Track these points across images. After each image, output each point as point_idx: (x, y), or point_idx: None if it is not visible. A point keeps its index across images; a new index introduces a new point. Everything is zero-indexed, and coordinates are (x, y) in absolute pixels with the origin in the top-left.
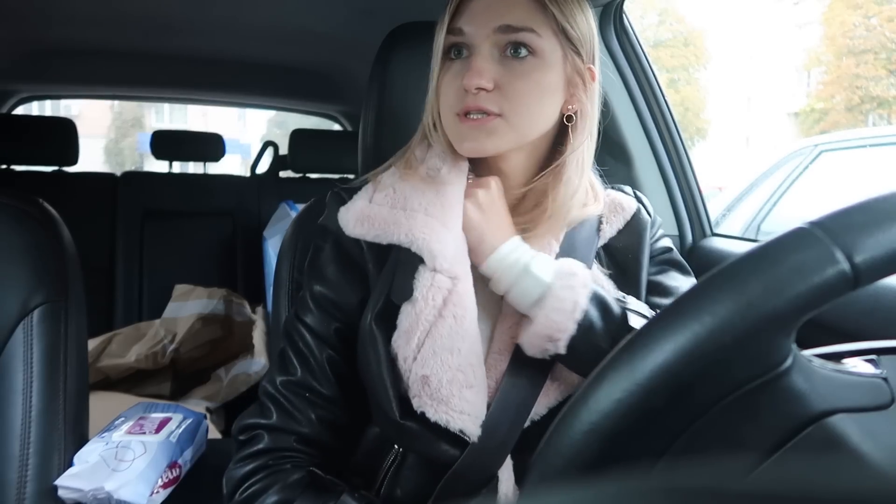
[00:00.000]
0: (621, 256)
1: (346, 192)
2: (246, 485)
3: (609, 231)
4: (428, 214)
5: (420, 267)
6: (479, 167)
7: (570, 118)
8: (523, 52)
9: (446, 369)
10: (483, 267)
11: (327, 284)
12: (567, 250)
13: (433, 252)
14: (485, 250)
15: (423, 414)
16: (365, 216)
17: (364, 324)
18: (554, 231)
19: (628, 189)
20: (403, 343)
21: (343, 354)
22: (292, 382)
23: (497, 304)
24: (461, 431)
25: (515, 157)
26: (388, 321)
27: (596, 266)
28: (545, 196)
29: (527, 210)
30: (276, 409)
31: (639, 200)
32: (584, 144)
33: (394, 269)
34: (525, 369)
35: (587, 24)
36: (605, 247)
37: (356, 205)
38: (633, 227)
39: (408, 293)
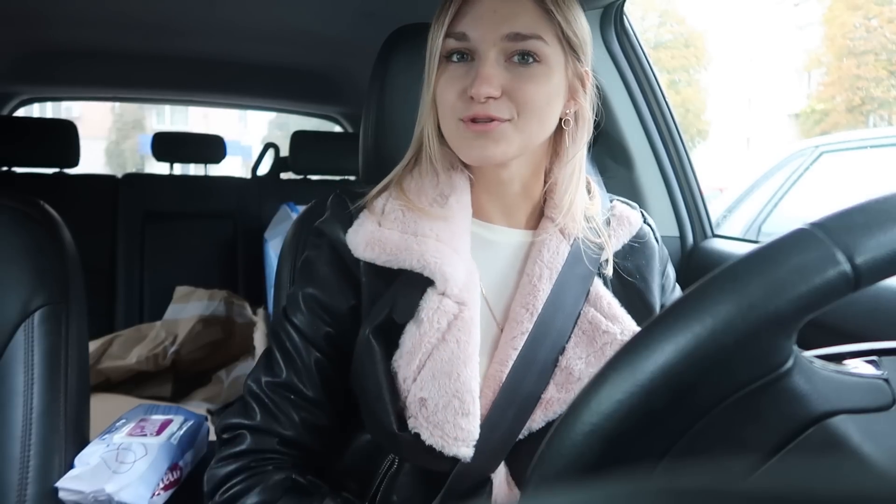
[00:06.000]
0: (627, 273)
1: (349, 197)
2: (227, 485)
3: (615, 244)
4: (439, 240)
5: (428, 289)
6: (480, 177)
7: (566, 122)
8: (531, 59)
9: (443, 394)
10: None
11: (319, 287)
12: (573, 261)
13: (445, 276)
14: None
15: (417, 435)
16: (375, 240)
17: (361, 335)
18: (565, 234)
19: (634, 204)
20: (404, 364)
21: (331, 359)
22: (277, 384)
23: (494, 342)
24: (455, 456)
25: (516, 164)
26: (387, 337)
27: (599, 281)
28: (550, 200)
29: (533, 215)
30: (260, 410)
31: (645, 221)
32: (584, 145)
33: (397, 287)
34: (515, 400)
35: (586, 29)
36: (608, 261)
37: (365, 228)
38: (641, 248)
39: (409, 314)
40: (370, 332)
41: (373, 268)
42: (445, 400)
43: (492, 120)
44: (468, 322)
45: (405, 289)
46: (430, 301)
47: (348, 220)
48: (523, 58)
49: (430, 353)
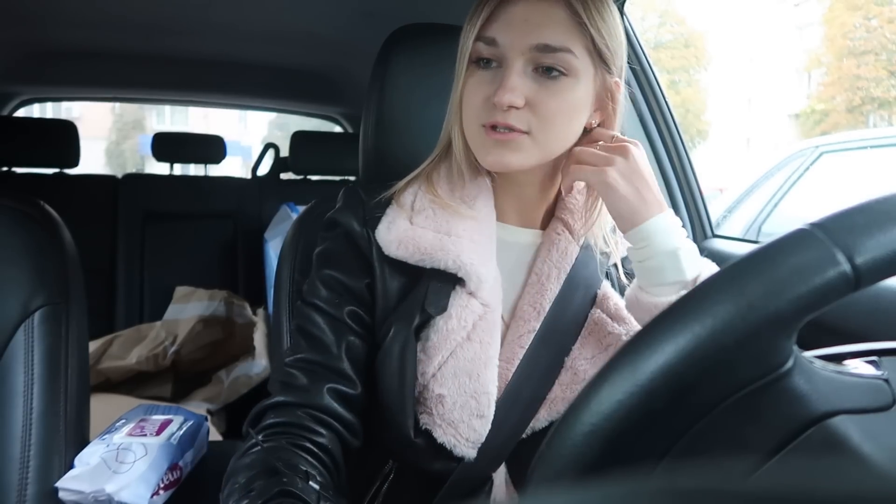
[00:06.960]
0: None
1: (365, 192)
2: (240, 456)
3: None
4: (473, 241)
5: (457, 287)
6: (499, 178)
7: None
8: (557, 72)
9: (461, 393)
10: (631, 233)
11: (338, 268)
12: (582, 262)
13: (480, 277)
14: (636, 220)
15: (428, 432)
16: (409, 239)
17: (400, 336)
18: (574, 235)
19: None
20: (426, 357)
21: (357, 334)
22: (299, 359)
23: (501, 340)
24: (461, 456)
25: (536, 167)
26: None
27: (606, 283)
28: (562, 201)
29: (545, 215)
30: (281, 387)
31: None
32: None
33: (427, 284)
34: (521, 399)
35: (619, 39)
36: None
37: (397, 226)
38: None
39: (442, 308)
40: (412, 333)
41: (389, 258)
42: (463, 399)
43: (510, 130)
44: (492, 324)
45: (436, 285)
46: (459, 299)
47: (362, 211)
48: (549, 71)
49: (453, 350)
